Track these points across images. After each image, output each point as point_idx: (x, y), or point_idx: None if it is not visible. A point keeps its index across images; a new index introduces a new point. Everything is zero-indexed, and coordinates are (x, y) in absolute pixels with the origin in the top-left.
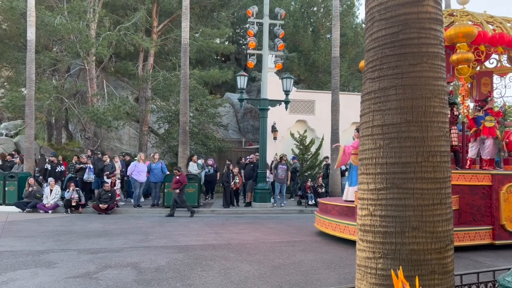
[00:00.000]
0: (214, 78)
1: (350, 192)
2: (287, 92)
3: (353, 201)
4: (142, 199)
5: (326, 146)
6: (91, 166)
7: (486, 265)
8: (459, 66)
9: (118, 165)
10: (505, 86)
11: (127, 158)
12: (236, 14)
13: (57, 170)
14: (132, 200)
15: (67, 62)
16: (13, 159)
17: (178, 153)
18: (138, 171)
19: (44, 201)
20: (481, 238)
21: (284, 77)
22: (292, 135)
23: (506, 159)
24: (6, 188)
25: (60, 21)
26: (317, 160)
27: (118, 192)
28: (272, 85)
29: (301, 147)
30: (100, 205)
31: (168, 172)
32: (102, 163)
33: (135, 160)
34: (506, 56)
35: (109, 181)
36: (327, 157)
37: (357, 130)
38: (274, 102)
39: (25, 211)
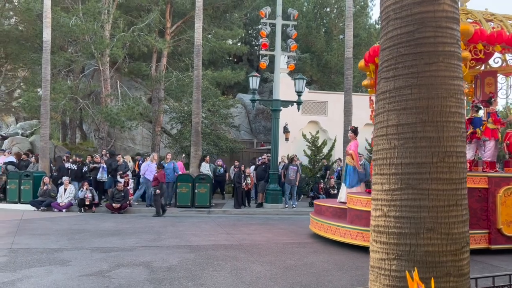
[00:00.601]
0: (226, 79)
1: (346, 194)
2: (299, 93)
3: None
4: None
5: (339, 147)
6: (105, 166)
7: (502, 269)
8: None
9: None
10: (510, 86)
11: (138, 158)
12: (249, 15)
13: (83, 170)
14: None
15: (82, 63)
16: (28, 159)
17: (190, 153)
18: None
19: (58, 200)
20: (476, 243)
21: (296, 78)
22: (304, 136)
23: (506, 161)
24: (22, 187)
25: (75, 22)
26: (329, 162)
27: (131, 191)
28: (284, 86)
29: (313, 148)
30: (113, 204)
31: (180, 172)
32: (116, 163)
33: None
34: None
35: (122, 180)
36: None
37: (352, 130)
38: (286, 103)
39: (39, 209)
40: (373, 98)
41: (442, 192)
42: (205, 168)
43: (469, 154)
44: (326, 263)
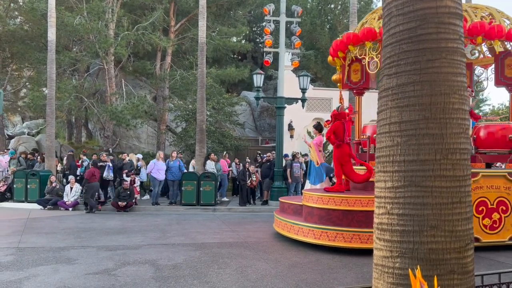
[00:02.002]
0: (230, 76)
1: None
2: (303, 90)
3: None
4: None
5: None
6: (110, 165)
7: (508, 265)
8: None
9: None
10: (487, 79)
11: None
12: (253, 12)
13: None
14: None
15: (87, 62)
16: (34, 158)
17: (195, 151)
18: (157, 169)
19: (65, 199)
20: None
21: (300, 75)
22: (309, 133)
23: (473, 156)
24: (28, 186)
25: (80, 22)
26: None
27: (137, 189)
28: (289, 83)
29: None
30: (119, 203)
31: (186, 170)
32: (121, 161)
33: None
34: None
35: (128, 179)
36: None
37: (314, 126)
38: (291, 100)
39: (46, 208)
40: (343, 93)
41: (446, 189)
42: (210, 166)
43: None
44: (331, 260)
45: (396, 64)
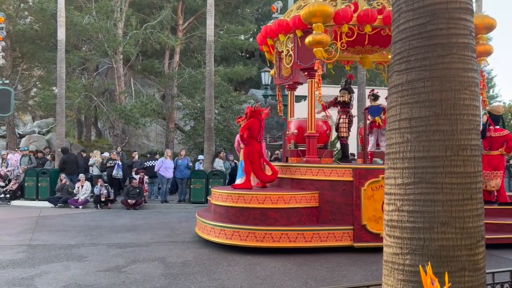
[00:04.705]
0: (238, 74)
1: None
2: None
3: None
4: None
5: (352, 141)
6: (120, 163)
7: None
8: (314, 49)
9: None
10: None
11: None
12: (261, 10)
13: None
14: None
15: (96, 61)
16: (45, 156)
17: (204, 149)
18: (165, 167)
19: (76, 196)
20: (336, 240)
21: None
22: None
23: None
24: (39, 184)
25: (89, 21)
26: None
27: (146, 187)
28: None
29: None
30: (129, 201)
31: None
32: (131, 160)
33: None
34: None
35: (137, 177)
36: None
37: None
38: (299, 98)
39: (57, 206)
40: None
41: (457, 186)
42: (219, 164)
43: (370, 145)
44: (340, 257)
45: (406, 60)
